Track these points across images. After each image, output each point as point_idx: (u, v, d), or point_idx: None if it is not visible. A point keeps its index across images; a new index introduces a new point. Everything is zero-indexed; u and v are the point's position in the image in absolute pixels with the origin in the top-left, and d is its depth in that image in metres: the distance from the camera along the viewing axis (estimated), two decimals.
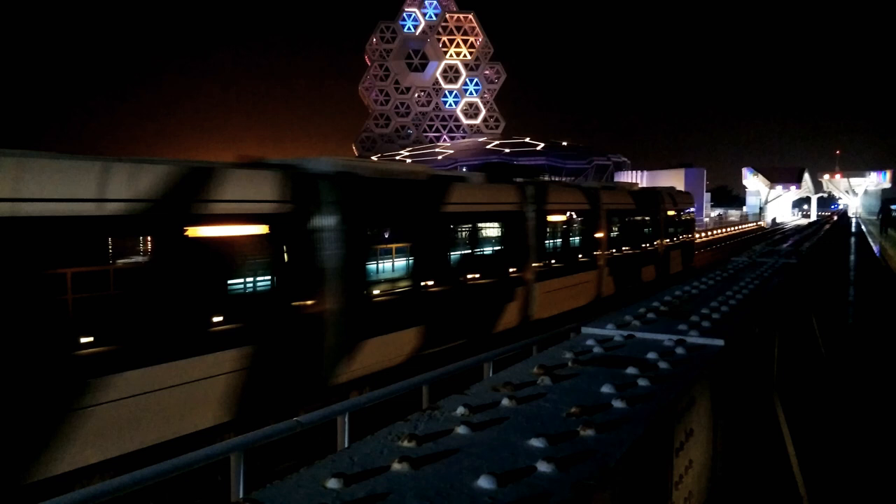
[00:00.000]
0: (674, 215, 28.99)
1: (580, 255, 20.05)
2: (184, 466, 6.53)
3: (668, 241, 27.87)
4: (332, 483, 1.98)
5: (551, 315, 17.60)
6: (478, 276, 15.08)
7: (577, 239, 20.05)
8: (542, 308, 17.40)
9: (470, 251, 15.09)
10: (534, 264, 17.17)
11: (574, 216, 19.78)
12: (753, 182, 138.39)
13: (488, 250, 16.04)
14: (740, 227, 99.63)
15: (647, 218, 25.87)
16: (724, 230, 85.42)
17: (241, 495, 6.67)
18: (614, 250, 22.32)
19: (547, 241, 18.18)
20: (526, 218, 16.96)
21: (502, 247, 16.51)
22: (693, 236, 33.24)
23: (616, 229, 22.77)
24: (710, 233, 75.04)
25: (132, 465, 7.05)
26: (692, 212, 33.11)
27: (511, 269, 16.38)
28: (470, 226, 15.21)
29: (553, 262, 18.36)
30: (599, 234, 21.07)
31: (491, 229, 16.24)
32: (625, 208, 23.61)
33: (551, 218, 18.31)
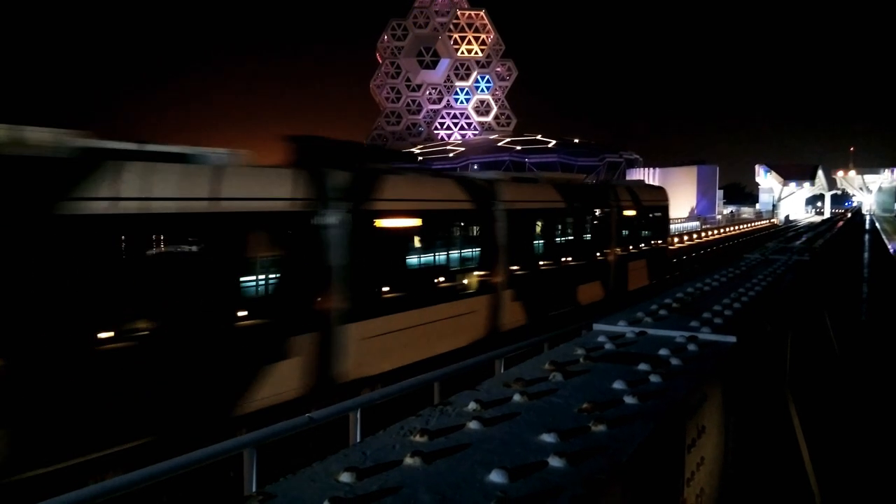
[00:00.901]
0: (634, 216, 22.83)
1: (456, 277, 14.16)
2: (197, 462, 6.59)
3: (623, 249, 21.77)
4: (345, 477, 1.99)
5: (389, 369, 11.88)
6: (202, 323, 9.13)
7: (446, 254, 14.10)
8: (364, 361, 11.46)
9: (179, 283, 9.00)
10: (342, 296, 11.01)
11: (438, 220, 13.91)
12: (767, 179, 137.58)
13: (234, 281, 9.75)
14: (752, 224, 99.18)
15: (587, 220, 20.06)
16: (735, 228, 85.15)
17: (254, 489, 6.72)
18: (525, 265, 16.42)
19: (377, 260, 12.01)
20: (323, 224, 10.77)
21: (265, 274, 10.31)
22: (667, 242, 26.64)
23: (529, 237, 17.05)
24: (719, 231, 74.91)
25: None
26: (664, 211, 26.53)
27: (285, 309, 10.25)
28: (176, 238, 9.10)
29: (392, 289, 12.25)
30: (496, 245, 15.19)
31: (231, 244, 9.77)
32: (545, 208, 17.73)
33: (385, 223, 12.23)
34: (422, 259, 13.41)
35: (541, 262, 17.31)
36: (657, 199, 25.60)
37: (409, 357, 12.44)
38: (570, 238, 19.00)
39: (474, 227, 15.13)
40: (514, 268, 15.89)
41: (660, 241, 25.39)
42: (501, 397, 2.82)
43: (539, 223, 17.57)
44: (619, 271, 21.34)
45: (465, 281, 14.44)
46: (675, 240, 52.84)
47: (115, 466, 7.95)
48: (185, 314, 9.03)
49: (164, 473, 6.29)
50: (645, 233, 23.89)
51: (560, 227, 18.62)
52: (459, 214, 14.65)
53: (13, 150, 8.00)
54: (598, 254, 20.20)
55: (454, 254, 14.42)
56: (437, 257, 13.87)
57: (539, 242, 17.55)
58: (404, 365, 12.20)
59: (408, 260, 13.06)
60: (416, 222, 13.14)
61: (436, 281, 13.61)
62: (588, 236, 19.98)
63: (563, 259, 18.35)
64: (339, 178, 11.34)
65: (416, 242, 13.32)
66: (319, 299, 10.86)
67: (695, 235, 64.26)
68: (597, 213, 20.55)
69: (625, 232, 22.05)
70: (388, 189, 12.45)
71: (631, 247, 22.43)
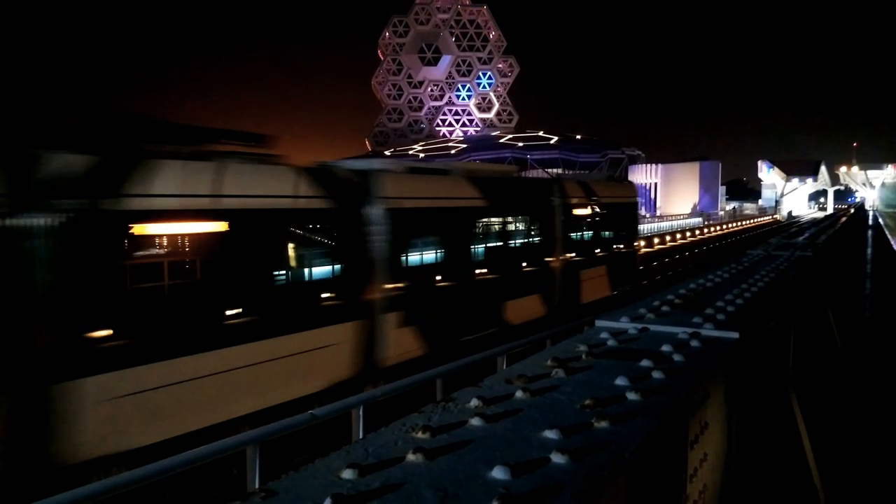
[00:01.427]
0: (589, 216, 19.49)
1: (301, 301, 10.67)
2: (200, 459, 6.61)
3: (573, 255, 18.34)
4: (347, 473, 1.99)
5: (171, 436, 8.52)
6: None
7: (283, 271, 10.57)
8: (114, 430, 8.05)
9: None
10: (61, 337, 7.67)
11: (263, 224, 10.12)
12: (769, 175, 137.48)
13: None
14: (755, 220, 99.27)
15: (520, 221, 16.88)
16: (737, 224, 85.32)
17: (256, 486, 6.73)
18: (421, 279, 13.11)
19: (135, 281, 8.61)
20: (20, 229, 7.41)
21: None
22: (634, 245, 23.16)
23: (428, 243, 13.67)
24: (721, 227, 75.10)
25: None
26: (631, 209, 23.06)
27: None
28: None
29: (172, 322, 8.83)
30: (368, 255, 11.70)
31: None
32: (455, 206, 14.26)
33: (154, 228, 8.83)
34: (232, 279, 9.62)
35: (447, 275, 13.80)
36: (621, 196, 22.12)
37: (212, 416, 9.02)
38: (493, 244, 15.56)
39: (332, 233, 11.48)
40: (403, 283, 12.48)
41: (625, 245, 22.09)
42: (503, 394, 2.82)
43: (446, 226, 14.05)
44: (566, 281, 17.99)
45: (317, 305, 10.90)
46: (654, 241, 52.21)
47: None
48: None
49: (167, 470, 6.31)
50: (605, 235, 20.69)
51: (479, 230, 15.14)
52: (303, 216, 10.92)
53: None
54: (536, 262, 16.93)
55: (298, 270, 10.88)
56: (263, 276, 10.14)
57: (445, 250, 13.98)
58: (204, 427, 8.82)
59: (201, 280, 9.24)
60: (219, 227, 9.40)
61: (263, 307, 9.95)
62: (521, 241, 16.81)
63: (483, 270, 14.92)
64: (62, 164, 7.87)
65: (220, 256, 9.47)
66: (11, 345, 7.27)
67: (676, 236, 64.05)
68: (534, 213, 17.32)
69: (576, 235, 18.79)
70: (165, 181, 8.85)
71: (585, 252, 19.13)
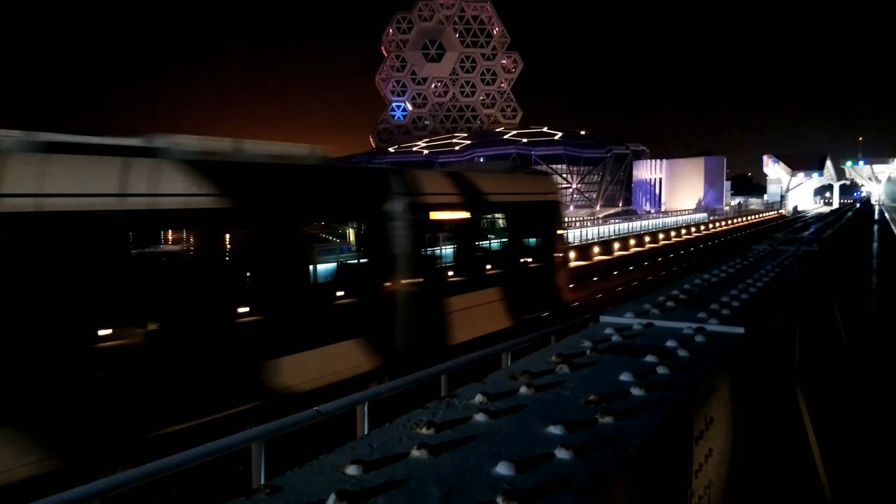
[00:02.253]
0: (465, 221, 14.42)
1: None
2: (206, 455, 6.63)
3: (429, 278, 13.34)
4: (352, 469, 1.99)
5: None
6: None
7: None
8: None
9: None
10: None
11: None
12: (775, 170, 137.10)
13: None
14: (760, 215, 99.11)
15: (306, 233, 11.47)
16: (742, 219, 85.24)
17: (262, 482, 6.75)
18: (52, 338, 7.68)
19: None
20: None
21: None
22: (553, 257, 17.39)
23: (81, 272, 7.97)
24: (725, 223, 74.96)
25: None
26: (549, 210, 17.44)
27: None
28: None
29: None
30: None
31: None
32: (154, 209, 8.64)
33: None
34: None
35: (135, 325, 8.48)
36: (530, 193, 16.70)
37: None
38: (253, 269, 10.61)
39: None
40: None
41: (538, 258, 16.85)
42: (508, 389, 2.82)
43: (141, 241, 9.12)
44: (420, 315, 12.95)
45: None
46: (658, 237, 52.07)
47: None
48: None
49: (173, 467, 6.33)
50: (502, 245, 15.90)
51: (219, 247, 10.21)
52: None
53: None
54: (352, 292, 11.71)
55: None
56: None
57: (140, 279, 8.83)
58: None
59: None
60: None
61: None
62: (318, 262, 11.63)
63: (231, 311, 9.69)
64: None
65: None
66: None
67: (681, 231, 63.88)
68: (350, 220, 12.92)
69: (443, 248, 14.20)
70: None
71: (459, 271, 14.27)
